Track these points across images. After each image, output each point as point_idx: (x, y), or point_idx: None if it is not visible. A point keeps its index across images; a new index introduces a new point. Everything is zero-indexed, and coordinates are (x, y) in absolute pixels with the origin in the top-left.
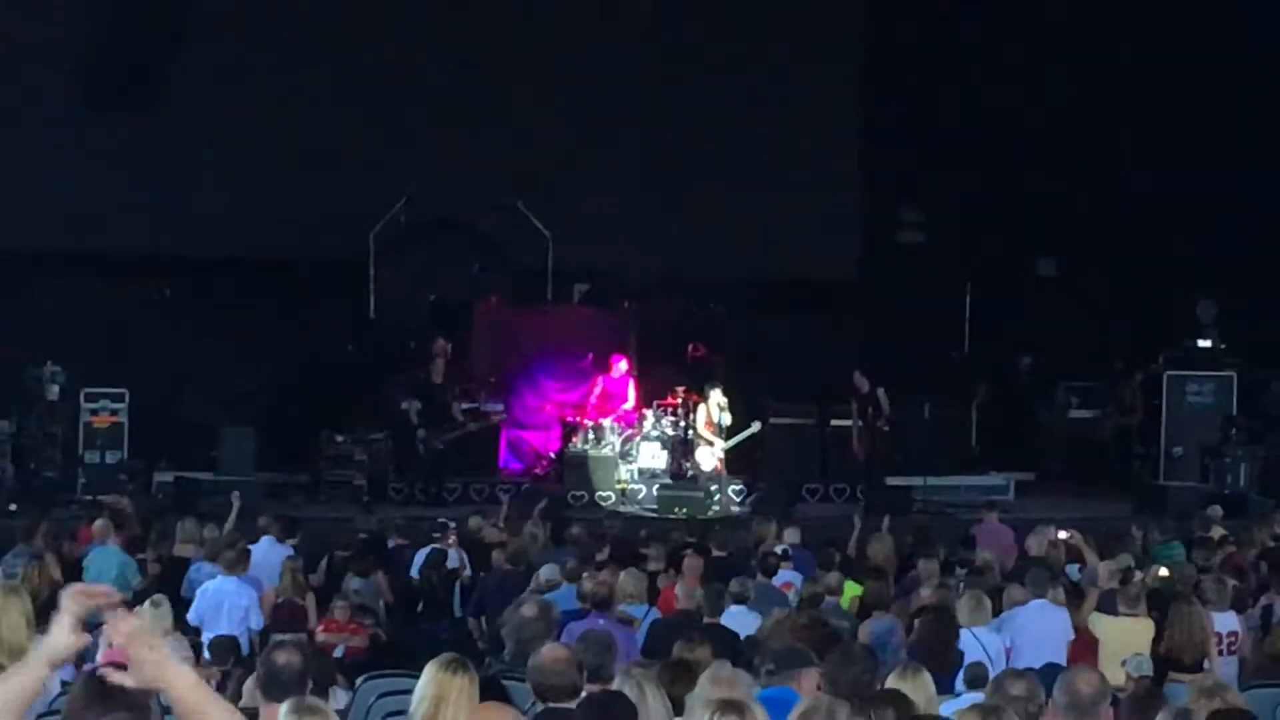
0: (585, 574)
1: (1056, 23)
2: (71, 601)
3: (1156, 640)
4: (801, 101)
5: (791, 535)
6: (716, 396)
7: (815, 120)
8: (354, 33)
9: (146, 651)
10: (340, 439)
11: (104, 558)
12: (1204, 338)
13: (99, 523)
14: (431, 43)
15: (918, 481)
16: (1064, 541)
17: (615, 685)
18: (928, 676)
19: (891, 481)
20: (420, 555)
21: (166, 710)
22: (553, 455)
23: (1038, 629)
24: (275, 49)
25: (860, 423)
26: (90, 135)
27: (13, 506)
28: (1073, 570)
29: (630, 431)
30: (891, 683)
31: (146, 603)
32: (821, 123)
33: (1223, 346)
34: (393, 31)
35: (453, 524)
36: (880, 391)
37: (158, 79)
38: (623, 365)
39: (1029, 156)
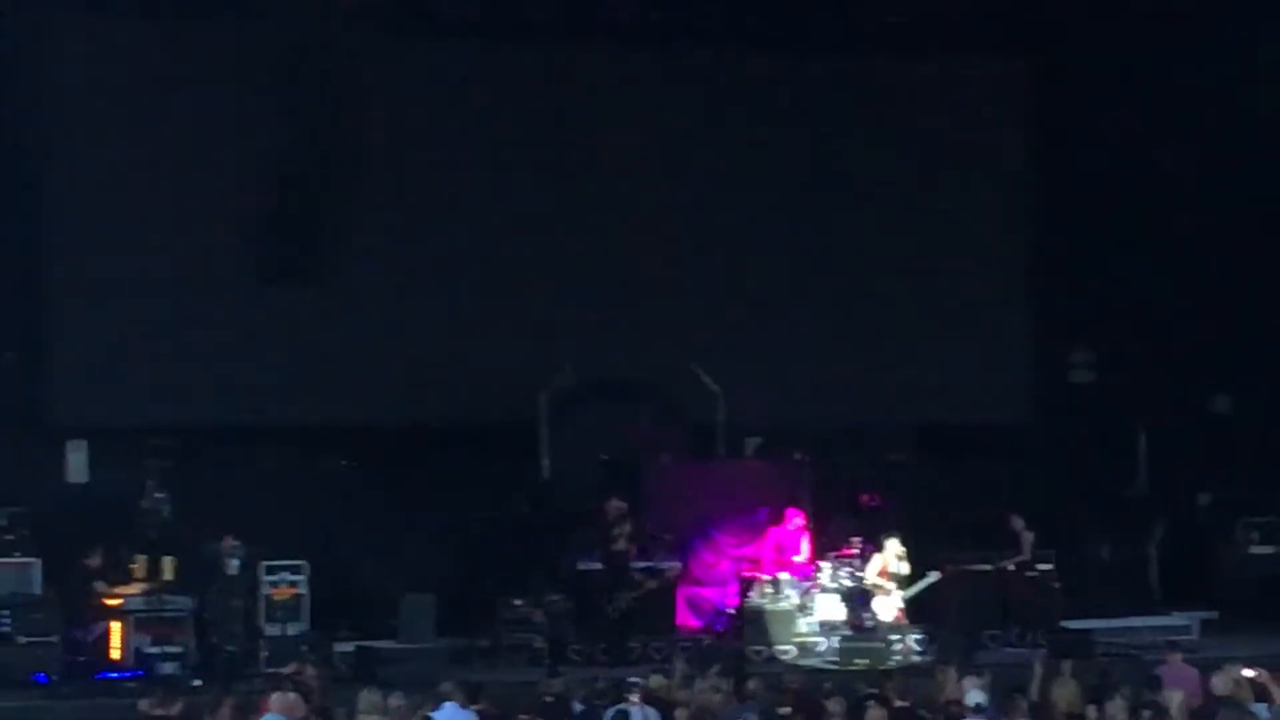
0: None
1: (1221, 162)
2: None
3: None
4: (969, 245)
5: (973, 684)
6: (894, 546)
7: (983, 263)
8: (518, 195)
9: None
10: (518, 602)
11: None
12: None
13: (275, 696)
14: (595, 204)
15: (1099, 624)
16: (1251, 680)
17: None
18: None
19: (1072, 625)
20: (607, 716)
21: None
22: (731, 611)
23: None
24: (440, 213)
25: (1011, 566)
26: (259, 308)
27: (197, 682)
28: (1260, 709)
29: (808, 584)
30: None
31: None
32: (990, 266)
33: None
34: (556, 193)
35: (639, 683)
36: (1027, 536)
37: (326, 249)
38: (796, 519)
39: (1200, 293)
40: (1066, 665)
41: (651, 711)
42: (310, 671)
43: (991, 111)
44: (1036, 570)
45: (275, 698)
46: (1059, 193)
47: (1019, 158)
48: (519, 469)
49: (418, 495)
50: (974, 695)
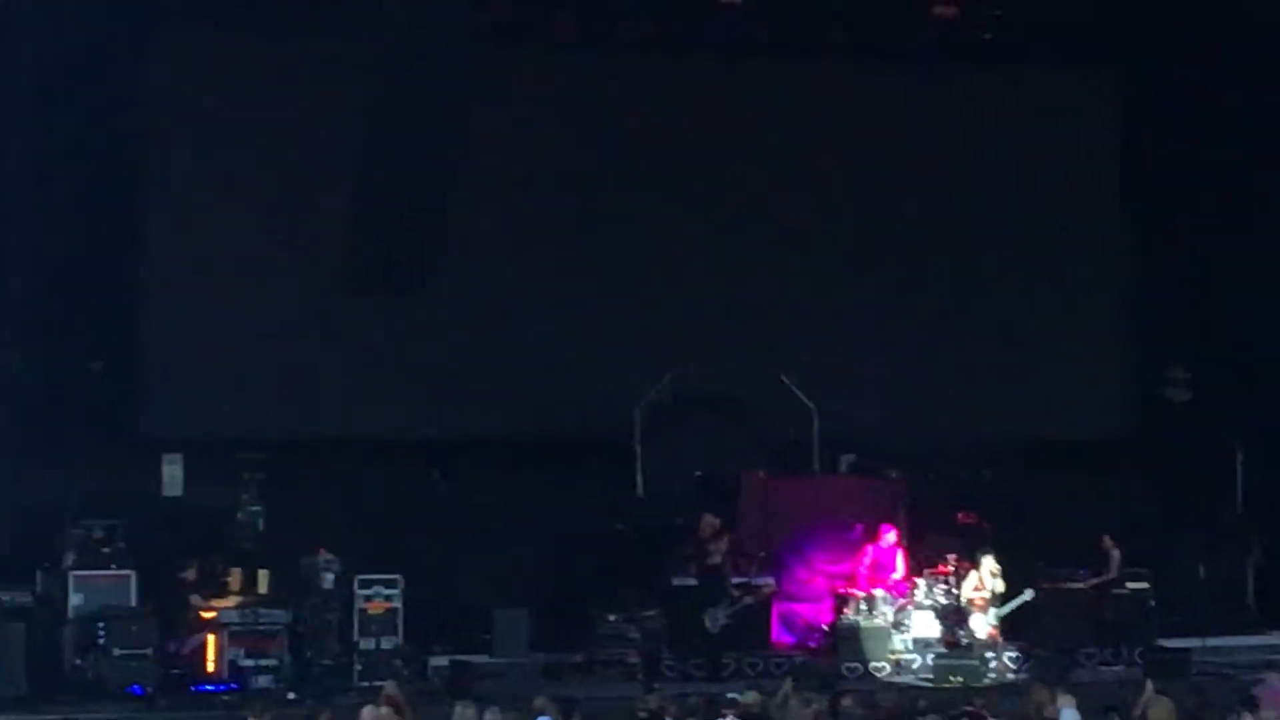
0: None
1: None
2: None
3: None
4: (1066, 261)
5: (1068, 702)
6: (989, 564)
7: (1079, 280)
8: (613, 211)
9: None
10: (613, 617)
11: None
12: None
13: (367, 710)
14: (691, 218)
15: (1196, 643)
16: None
17: None
18: None
19: (1169, 643)
20: None
21: None
22: (825, 627)
23: None
24: (536, 226)
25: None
26: (353, 321)
27: (291, 695)
28: None
29: (902, 601)
30: None
31: None
32: (1086, 282)
33: None
34: (653, 208)
35: (735, 698)
36: (1115, 554)
37: (419, 262)
38: (891, 536)
39: None
40: (1161, 684)
41: None
42: (392, 687)
43: (1087, 126)
44: (1125, 588)
45: (367, 711)
46: (1155, 208)
47: (1115, 173)
48: (614, 484)
49: (512, 510)
50: (1068, 714)
